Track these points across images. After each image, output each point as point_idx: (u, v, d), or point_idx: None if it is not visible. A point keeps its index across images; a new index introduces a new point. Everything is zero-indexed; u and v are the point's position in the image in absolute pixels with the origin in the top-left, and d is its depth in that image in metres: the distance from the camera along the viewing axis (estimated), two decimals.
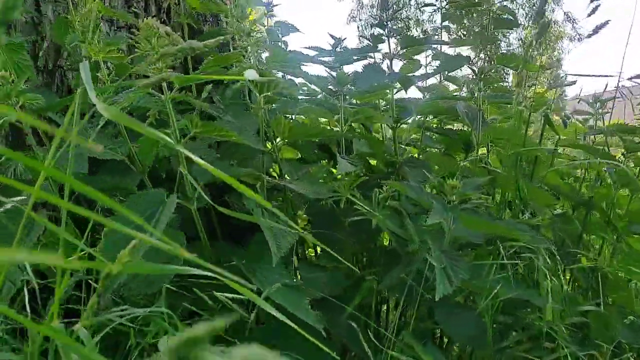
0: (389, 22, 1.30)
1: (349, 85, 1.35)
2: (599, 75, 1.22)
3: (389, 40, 1.36)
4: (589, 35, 1.20)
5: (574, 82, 1.18)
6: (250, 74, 0.64)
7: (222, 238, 1.27)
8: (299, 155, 1.59)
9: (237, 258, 1.04)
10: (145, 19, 1.83)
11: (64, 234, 0.60)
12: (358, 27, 11.59)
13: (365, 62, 1.63)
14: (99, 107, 0.57)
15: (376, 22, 1.30)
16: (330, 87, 1.23)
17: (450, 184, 0.89)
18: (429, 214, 0.89)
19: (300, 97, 1.48)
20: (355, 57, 1.56)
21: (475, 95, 1.17)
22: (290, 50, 1.32)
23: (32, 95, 1.03)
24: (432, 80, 1.72)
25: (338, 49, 1.97)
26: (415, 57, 1.74)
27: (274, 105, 1.30)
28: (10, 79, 0.99)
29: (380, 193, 0.99)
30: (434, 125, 1.69)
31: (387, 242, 1.50)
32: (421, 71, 1.72)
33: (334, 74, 1.29)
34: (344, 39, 2.06)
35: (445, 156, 1.26)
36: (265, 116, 1.11)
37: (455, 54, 2.13)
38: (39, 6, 1.54)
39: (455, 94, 1.97)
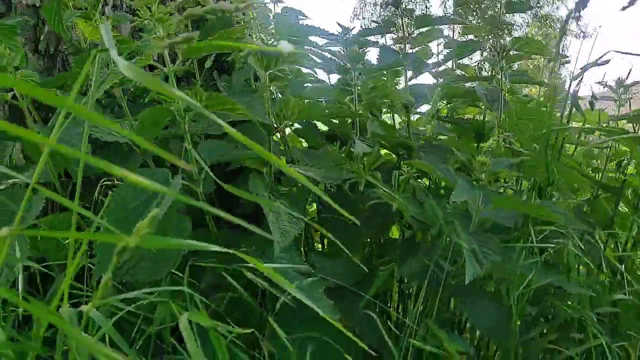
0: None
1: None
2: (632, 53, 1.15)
3: (402, 20, 1.30)
4: (624, 8, 1.13)
5: (607, 61, 1.12)
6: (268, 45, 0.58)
7: (225, 226, 1.21)
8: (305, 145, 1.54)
9: (246, 244, 0.99)
10: None
11: (76, 207, 0.55)
12: (361, 26, 11.50)
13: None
14: (121, 65, 0.51)
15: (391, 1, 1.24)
16: (341, 64, 1.17)
17: (480, 161, 0.83)
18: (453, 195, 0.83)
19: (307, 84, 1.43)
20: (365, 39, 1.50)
21: (497, 75, 1.11)
22: (297, 23, 1.26)
23: (27, 72, 0.98)
24: (442, 68, 1.67)
25: (346, 37, 1.91)
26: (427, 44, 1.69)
27: (280, 94, 1.25)
28: (8, 54, 0.94)
29: (401, 174, 0.93)
30: (444, 114, 1.64)
31: (399, 233, 1.44)
32: (432, 60, 1.67)
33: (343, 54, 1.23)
34: (353, 27, 2.01)
35: (462, 140, 1.20)
36: (272, 96, 1.05)
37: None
38: None
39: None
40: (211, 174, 0.86)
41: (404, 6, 1.31)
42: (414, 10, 1.29)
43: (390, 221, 1.18)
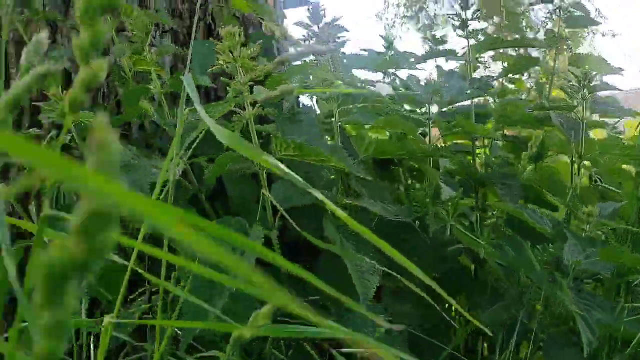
0: (470, 22, 1.17)
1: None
2: None
3: (468, 42, 1.23)
4: None
5: None
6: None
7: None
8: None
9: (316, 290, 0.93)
10: (189, 20, 1.73)
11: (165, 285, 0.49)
12: (385, 27, 11.41)
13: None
14: (215, 130, 0.46)
15: (457, 22, 1.17)
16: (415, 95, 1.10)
17: (587, 212, 0.77)
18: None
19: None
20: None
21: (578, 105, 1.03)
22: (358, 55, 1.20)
23: (86, 114, 0.93)
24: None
25: (391, 53, 1.85)
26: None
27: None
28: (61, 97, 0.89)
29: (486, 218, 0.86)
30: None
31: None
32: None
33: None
34: (394, 38, 1.94)
35: (540, 174, 1.12)
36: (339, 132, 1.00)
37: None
38: None
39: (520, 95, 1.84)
40: (291, 221, 0.81)
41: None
42: (479, 31, 1.22)
43: (458, 260, 1.11)
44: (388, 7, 10.41)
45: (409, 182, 1.38)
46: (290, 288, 1.04)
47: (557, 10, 1.62)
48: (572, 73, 1.03)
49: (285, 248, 1.20)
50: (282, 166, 0.47)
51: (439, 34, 1.60)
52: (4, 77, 1.42)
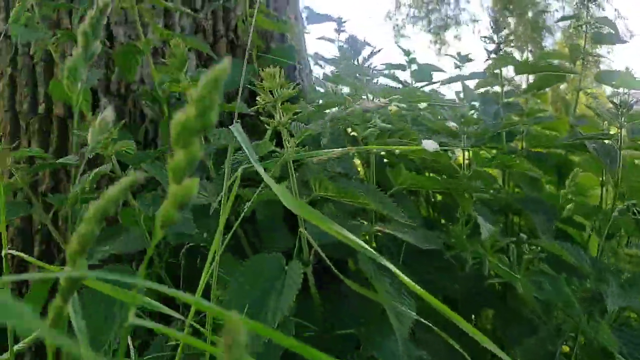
0: (502, 45, 1.16)
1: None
2: None
3: (501, 67, 1.21)
4: None
5: None
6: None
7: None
8: None
9: (353, 323, 0.93)
10: (212, 37, 1.72)
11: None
12: (394, 27, 11.36)
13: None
14: (280, 193, 0.45)
15: (490, 46, 1.16)
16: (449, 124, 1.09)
17: (628, 253, 0.75)
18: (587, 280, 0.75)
19: None
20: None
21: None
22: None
23: (124, 142, 0.93)
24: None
25: (414, 66, 1.84)
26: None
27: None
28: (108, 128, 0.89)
29: (523, 252, 0.85)
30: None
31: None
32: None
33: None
34: (413, 51, 1.92)
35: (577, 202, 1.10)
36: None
37: None
38: (110, 28, 1.46)
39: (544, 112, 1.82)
40: (327, 260, 0.80)
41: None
42: (512, 54, 1.21)
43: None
44: (399, 7, 10.33)
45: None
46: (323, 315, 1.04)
47: (584, 26, 1.60)
48: (611, 101, 1.01)
49: (314, 270, 1.20)
50: (337, 227, 0.46)
51: (449, 35, 1.58)
52: (32, 96, 1.44)
